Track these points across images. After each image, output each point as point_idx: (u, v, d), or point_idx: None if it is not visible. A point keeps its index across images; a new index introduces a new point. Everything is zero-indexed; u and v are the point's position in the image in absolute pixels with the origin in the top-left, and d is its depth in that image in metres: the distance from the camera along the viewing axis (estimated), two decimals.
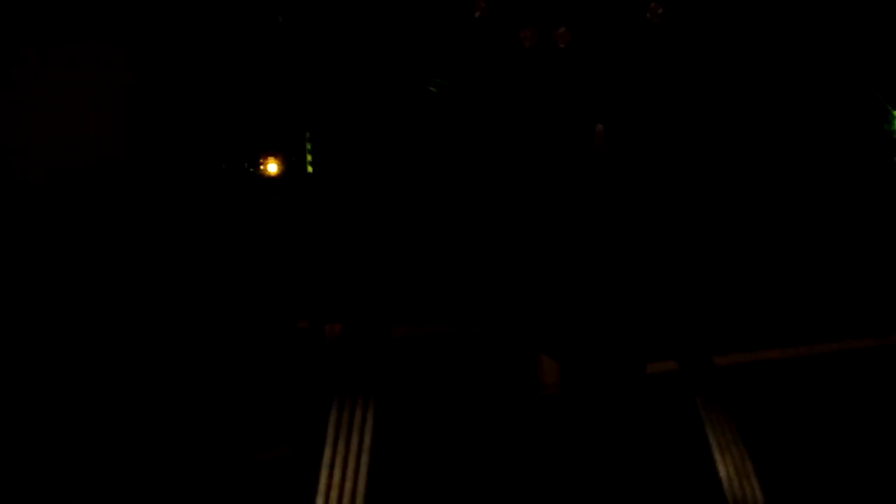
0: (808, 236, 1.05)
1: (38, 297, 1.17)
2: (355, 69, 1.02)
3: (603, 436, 0.97)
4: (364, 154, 1.01)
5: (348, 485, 0.66)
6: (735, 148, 1.06)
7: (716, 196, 1.07)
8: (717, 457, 0.77)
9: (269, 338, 1.01)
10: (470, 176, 1.00)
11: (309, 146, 1.07)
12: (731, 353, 0.96)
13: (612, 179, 1.00)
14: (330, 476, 0.66)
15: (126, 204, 1.19)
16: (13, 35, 1.21)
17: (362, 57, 1.02)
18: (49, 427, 1.09)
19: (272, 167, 1.18)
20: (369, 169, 1.00)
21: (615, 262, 0.96)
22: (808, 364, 1.00)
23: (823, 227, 1.05)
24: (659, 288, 0.95)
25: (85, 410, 1.09)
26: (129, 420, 1.07)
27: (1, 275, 1.17)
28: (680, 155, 1.05)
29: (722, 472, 0.76)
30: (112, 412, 1.08)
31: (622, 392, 0.93)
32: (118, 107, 1.26)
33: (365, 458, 0.67)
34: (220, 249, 1.11)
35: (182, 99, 1.21)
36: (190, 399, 1.03)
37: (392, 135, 1.00)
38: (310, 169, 1.08)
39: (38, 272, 1.19)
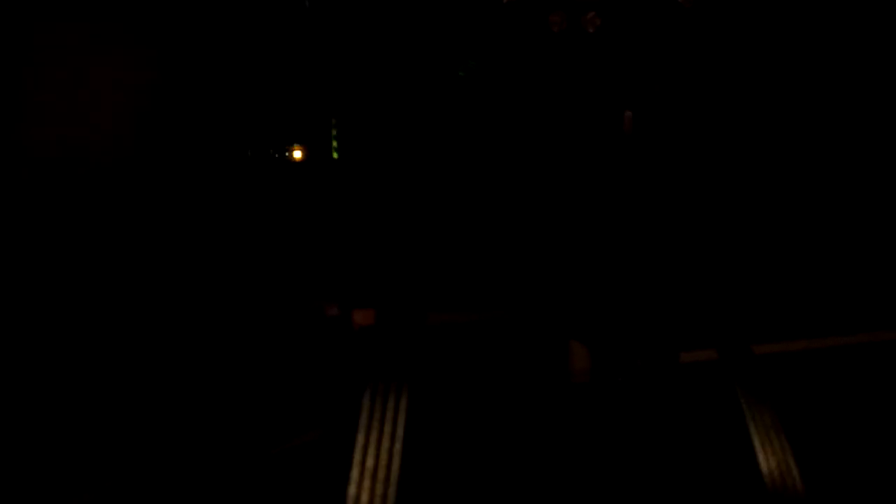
0: (855, 219, 1.03)
1: (61, 271, 1.18)
2: (382, 55, 1.02)
3: (634, 426, 0.96)
4: (391, 139, 1.00)
5: (381, 472, 0.65)
6: (773, 134, 1.04)
7: (752, 182, 1.05)
8: (759, 449, 0.75)
9: (299, 324, 1.01)
10: (500, 161, 0.99)
11: (334, 132, 1.07)
12: (769, 342, 0.95)
13: (642, 165, 0.99)
14: (363, 462, 0.65)
15: (150, 188, 1.19)
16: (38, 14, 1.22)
17: (389, 42, 1.01)
18: (71, 407, 1.10)
19: (297, 153, 1.18)
20: (398, 154, 0.99)
21: (649, 248, 0.94)
22: (851, 353, 0.98)
23: (873, 210, 1.03)
24: (695, 274, 0.94)
25: (112, 394, 1.10)
26: (158, 404, 1.07)
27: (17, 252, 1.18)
28: (713, 141, 1.03)
29: (763, 466, 0.75)
30: (140, 395, 1.09)
31: (655, 381, 0.92)
32: (143, 93, 1.27)
33: (398, 446, 0.66)
34: (248, 235, 1.11)
35: (206, 87, 1.22)
36: (217, 385, 1.03)
37: (420, 120, 1.00)
38: (335, 155, 1.07)
39: (56, 254, 1.20)
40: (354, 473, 0.66)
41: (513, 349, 1.00)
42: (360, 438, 0.68)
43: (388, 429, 0.67)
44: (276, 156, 1.16)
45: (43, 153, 1.24)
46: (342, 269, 0.99)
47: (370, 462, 0.66)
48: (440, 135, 1.00)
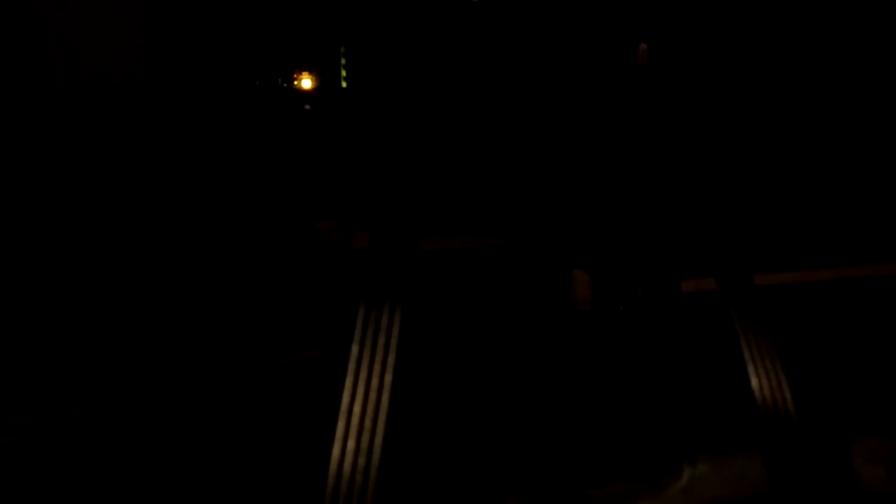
0: (844, 156, 1.02)
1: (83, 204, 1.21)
2: None
3: (634, 352, 0.97)
4: (399, 67, 1.00)
5: (374, 380, 0.67)
6: (777, 77, 1.03)
7: (757, 117, 1.05)
8: (750, 367, 0.77)
9: (303, 246, 1.03)
10: (510, 90, 0.99)
11: (343, 61, 1.07)
12: (770, 272, 0.95)
13: (654, 99, 0.98)
14: (357, 372, 0.68)
15: (164, 117, 1.21)
16: None
17: None
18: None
19: (306, 82, 1.18)
20: (404, 81, 0.99)
21: (652, 179, 0.95)
22: (846, 286, 0.99)
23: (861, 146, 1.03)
24: (695, 205, 0.94)
25: (134, 314, 1.14)
26: (179, 317, 1.11)
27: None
28: (719, 82, 1.03)
29: (754, 382, 0.77)
30: (161, 309, 1.13)
31: (655, 308, 0.93)
32: (154, 26, 1.28)
33: (392, 358, 0.69)
34: (257, 161, 1.13)
35: (215, 18, 1.22)
36: (230, 303, 1.06)
37: (429, 47, 1.00)
38: (344, 84, 1.08)
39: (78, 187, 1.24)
40: (348, 382, 0.69)
41: (520, 274, 1.02)
42: (355, 350, 0.70)
43: (381, 341, 0.70)
44: (285, 85, 1.17)
45: (66, 82, 1.27)
46: (347, 194, 1.01)
47: (364, 372, 0.69)
48: (450, 62, 1.00)
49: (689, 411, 0.90)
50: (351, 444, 0.65)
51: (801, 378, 0.89)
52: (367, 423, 0.66)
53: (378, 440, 0.66)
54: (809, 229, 1.03)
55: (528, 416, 0.96)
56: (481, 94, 1.01)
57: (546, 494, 0.79)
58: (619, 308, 1.01)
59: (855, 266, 1.01)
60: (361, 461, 0.64)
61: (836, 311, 1.02)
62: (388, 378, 0.68)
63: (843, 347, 1.01)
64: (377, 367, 0.68)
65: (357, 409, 0.68)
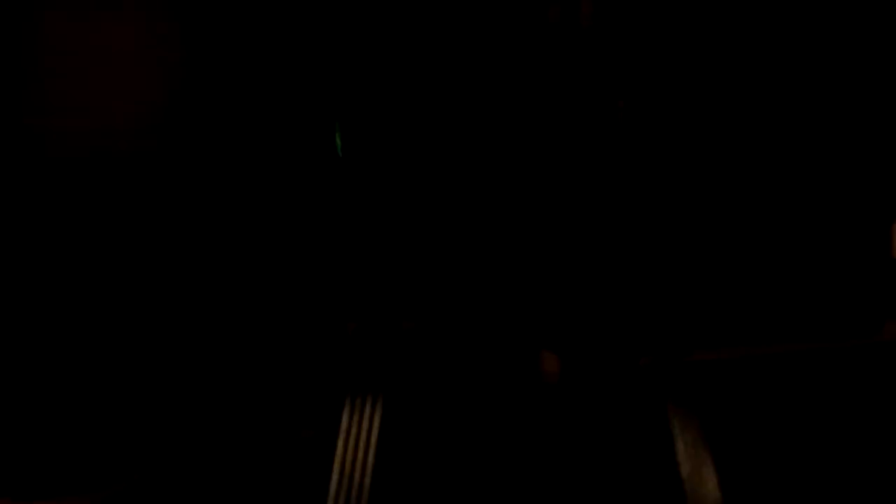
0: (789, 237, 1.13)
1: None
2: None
3: (595, 420, 1.08)
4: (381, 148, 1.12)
5: (361, 449, 0.77)
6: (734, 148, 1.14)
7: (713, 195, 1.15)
8: (681, 455, 0.84)
9: (299, 335, 1.14)
10: (481, 176, 1.10)
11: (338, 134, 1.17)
12: (703, 350, 1.06)
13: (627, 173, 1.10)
14: (346, 442, 0.78)
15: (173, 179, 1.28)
16: None
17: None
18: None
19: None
20: (376, 175, 1.11)
21: (612, 266, 1.06)
22: (779, 362, 1.09)
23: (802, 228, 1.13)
24: (648, 290, 1.05)
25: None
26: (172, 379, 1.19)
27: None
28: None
29: (684, 471, 0.84)
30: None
31: (616, 382, 1.03)
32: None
33: (372, 456, 0.79)
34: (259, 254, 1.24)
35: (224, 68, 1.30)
36: (234, 385, 1.16)
37: (403, 142, 1.11)
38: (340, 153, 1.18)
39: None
40: (337, 456, 0.79)
41: (494, 354, 1.12)
42: (340, 444, 0.80)
43: (364, 434, 0.80)
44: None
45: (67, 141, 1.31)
46: (344, 287, 1.12)
47: (352, 443, 0.79)
48: (425, 157, 1.12)
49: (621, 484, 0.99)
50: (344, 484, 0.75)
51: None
52: (356, 477, 0.76)
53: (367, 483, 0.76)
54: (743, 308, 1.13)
55: (498, 471, 1.06)
56: (458, 180, 1.13)
57: None
58: (583, 382, 1.12)
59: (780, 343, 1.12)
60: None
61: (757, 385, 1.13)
62: (374, 439, 0.78)
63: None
64: (360, 457, 0.78)
65: (347, 467, 0.78)
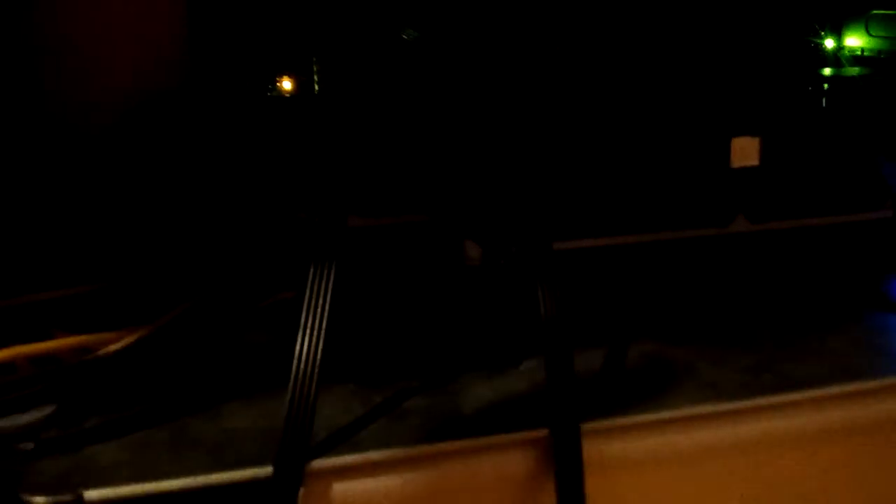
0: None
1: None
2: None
3: (510, 294, 1.46)
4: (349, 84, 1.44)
5: (319, 309, 1.13)
6: None
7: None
8: (544, 317, 1.14)
9: (280, 225, 1.51)
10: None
11: (315, 69, 1.49)
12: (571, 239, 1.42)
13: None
14: (308, 304, 1.14)
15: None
16: None
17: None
18: None
19: (287, 85, 1.62)
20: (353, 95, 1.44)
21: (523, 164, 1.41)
22: (632, 250, 1.46)
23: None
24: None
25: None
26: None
27: None
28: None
29: (544, 331, 1.14)
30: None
31: (528, 262, 1.38)
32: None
33: (329, 296, 1.15)
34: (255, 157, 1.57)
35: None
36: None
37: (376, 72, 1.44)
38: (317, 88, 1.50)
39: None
40: (303, 316, 1.14)
41: (421, 244, 1.49)
42: (307, 294, 1.16)
43: (322, 287, 1.16)
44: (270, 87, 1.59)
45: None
46: (310, 185, 1.47)
47: (313, 305, 1.15)
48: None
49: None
50: (305, 345, 1.12)
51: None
52: (315, 332, 1.13)
53: (321, 344, 1.13)
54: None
55: (423, 333, 1.45)
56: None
57: (425, 382, 1.29)
58: (500, 263, 1.50)
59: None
60: (311, 354, 1.11)
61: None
62: (328, 307, 1.14)
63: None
64: (322, 302, 1.14)
65: (308, 326, 1.14)
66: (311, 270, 1.14)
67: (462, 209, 1.46)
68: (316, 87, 1.51)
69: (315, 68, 1.51)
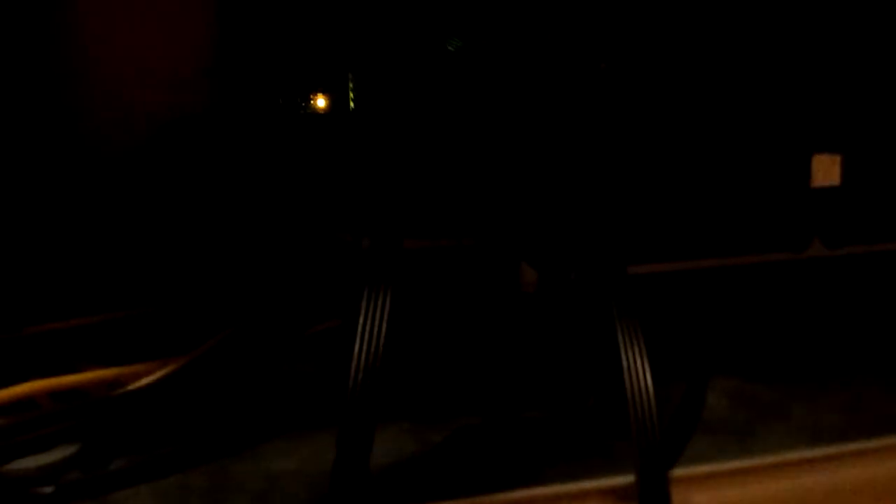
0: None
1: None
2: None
3: (566, 322, 1.34)
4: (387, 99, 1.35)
5: (373, 344, 1.03)
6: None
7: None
8: (622, 350, 1.07)
9: (323, 248, 1.40)
10: (482, 117, 1.33)
11: (351, 85, 1.40)
12: (644, 263, 1.31)
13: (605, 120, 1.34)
14: (363, 333, 1.03)
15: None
16: None
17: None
18: None
19: (321, 102, 1.53)
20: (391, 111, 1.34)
21: (584, 188, 1.31)
22: (711, 274, 1.34)
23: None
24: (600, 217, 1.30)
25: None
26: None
27: None
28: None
29: (624, 362, 1.02)
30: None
31: (587, 291, 1.28)
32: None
33: (384, 324, 1.04)
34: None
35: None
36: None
37: (414, 81, 1.34)
38: (352, 105, 1.41)
39: None
40: (356, 345, 1.04)
41: (476, 268, 1.38)
42: (360, 321, 1.05)
43: (378, 313, 1.05)
44: (304, 105, 1.50)
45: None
46: (357, 207, 1.37)
47: (366, 335, 1.04)
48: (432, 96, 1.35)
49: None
50: (357, 378, 1.00)
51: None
52: (368, 363, 1.02)
53: (375, 377, 1.01)
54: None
55: (481, 364, 1.33)
56: (460, 121, 1.36)
57: (491, 416, 1.17)
58: (559, 290, 1.38)
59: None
60: (364, 388, 1.00)
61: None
62: (382, 342, 1.03)
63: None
64: (375, 330, 1.03)
65: (361, 357, 1.03)
66: (366, 295, 1.03)
67: (517, 231, 1.36)
68: (351, 104, 1.42)
69: (351, 84, 1.42)
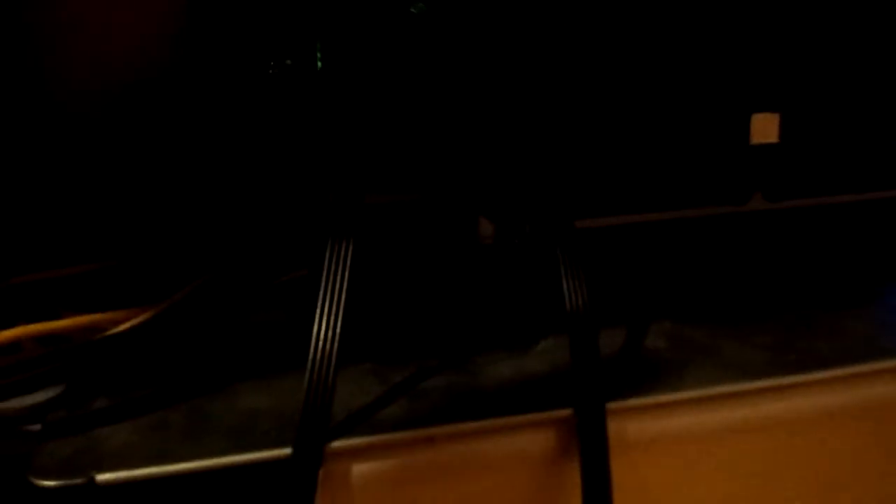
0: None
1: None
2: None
3: (522, 271, 1.43)
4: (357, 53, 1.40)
5: (338, 287, 1.10)
6: None
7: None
8: (567, 295, 1.10)
9: (292, 201, 1.48)
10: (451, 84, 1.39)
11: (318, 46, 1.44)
12: (592, 217, 1.40)
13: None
14: (326, 283, 1.11)
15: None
16: None
17: None
18: None
19: (289, 62, 1.56)
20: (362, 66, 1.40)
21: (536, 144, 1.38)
22: (652, 227, 1.43)
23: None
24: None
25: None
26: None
27: None
28: None
29: (567, 306, 1.10)
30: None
31: (542, 241, 1.36)
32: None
33: (347, 274, 1.12)
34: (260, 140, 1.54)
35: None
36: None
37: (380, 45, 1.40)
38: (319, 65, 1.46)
39: None
40: (321, 293, 1.11)
41: (437, 221, 1.46)
42: (325, 271, 1.13)
43: (340, 265, 1.13)
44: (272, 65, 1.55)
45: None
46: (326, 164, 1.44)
47: (330, 284, 1.12)
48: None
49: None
50: (323, 324, 1.09)
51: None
52: (332, 311, 1.10)
53: (339, 323, 1.10)
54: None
55: (441, 311, 1.42)
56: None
57: (444, 361, 1.26)
58: (514, 242, 1.47)
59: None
60: (329, 333, 1.08)
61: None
62: (346, 285, 1.11)
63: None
64: (340, 280, 1.11)
65: (326, 305, 1.11)
66: (329, 248, 1.11)
67: (475, 186, 1.44)
68: (319, 64, 1.47)
69: (318, 44, 1.47)
